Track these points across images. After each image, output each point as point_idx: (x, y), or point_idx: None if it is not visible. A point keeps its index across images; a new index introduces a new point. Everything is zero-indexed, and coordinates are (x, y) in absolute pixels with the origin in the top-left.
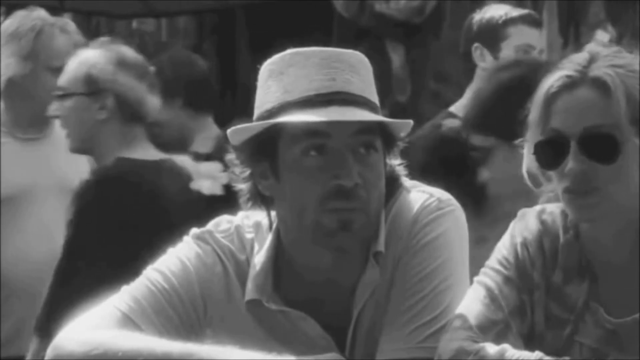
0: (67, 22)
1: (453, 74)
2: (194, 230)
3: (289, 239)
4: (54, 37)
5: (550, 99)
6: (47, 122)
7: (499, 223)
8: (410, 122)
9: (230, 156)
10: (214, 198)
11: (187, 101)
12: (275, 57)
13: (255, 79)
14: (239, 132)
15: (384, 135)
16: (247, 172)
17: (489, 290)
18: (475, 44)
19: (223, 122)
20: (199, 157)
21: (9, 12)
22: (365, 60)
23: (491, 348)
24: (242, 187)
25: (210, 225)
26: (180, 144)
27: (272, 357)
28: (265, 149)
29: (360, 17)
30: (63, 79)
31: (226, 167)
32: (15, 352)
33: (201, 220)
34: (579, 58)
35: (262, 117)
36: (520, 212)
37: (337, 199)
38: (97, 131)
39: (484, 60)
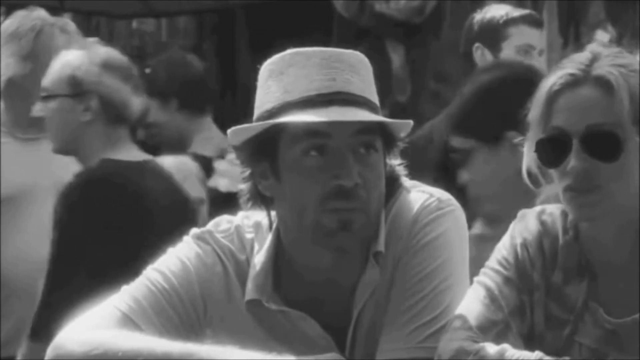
0: (67, 22)
1: (453, 74)
2: (194, 230)
3: (289, 239)
4: (54, 37)
5: (553, 97)
6: None
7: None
8: (410, 122)
9: (231, 156)
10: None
11: (183, 103)
12: (276, 57)
13: (255, 79)
14: (239, 132)
15: (384, 136)
16: (247, 172)
17: (488, 290)
18: (476, 44)
19: (223, 122)
20: (198, 158)
21: (9, 12)
22: (365, 60)
23: (491, 348)
24: (242, 187)
25: (210, 225)
26: (179, 145)
27: (272, 357)
28: (266, 149)
29: (360, 17)
30: (47, 80)
31: None
32: (16, 352)
33: (186, 221)
34: (581, 57)
35: (263, 117)
36: (520, 213)
37: (337, 199)
38: (82, 133)
39: (484, 60)
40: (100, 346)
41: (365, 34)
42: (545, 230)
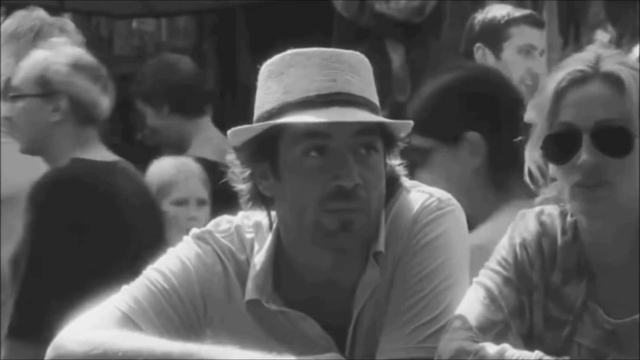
0: (66, 22)
1: None
2: (194, 230)
3: (289, 239)
4: (53, 37)
5: (560, 93)
6: None
7: None
8: (411, 122)
9: (231, 156)
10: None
11: (174, 107)
12: (276, 58)
13: (255, 79)
14: (239, 133)
15: (384, 136)
16: (247, 172)
17: (488, 291)
18: (478, 44)
19: (223, 123)
20: (200, 162)
21: (9, 12)
22: (366, 60)
23: (491, 348)
24: (242, 187)
25: (210, 225)
26: (178, 147)
27: (272, 357)
28: (266, 149)
29: (360, 17)
30: (16, 80)
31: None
32: None
33: (156, 223)
34: (585, 55)
35: (263, 118)
36: (519, 213)
37: (337, 200)
38: (50, 133)
39: (485, 60)
40: (100, 346)
41: (365, 34)
42: (544, 231)
